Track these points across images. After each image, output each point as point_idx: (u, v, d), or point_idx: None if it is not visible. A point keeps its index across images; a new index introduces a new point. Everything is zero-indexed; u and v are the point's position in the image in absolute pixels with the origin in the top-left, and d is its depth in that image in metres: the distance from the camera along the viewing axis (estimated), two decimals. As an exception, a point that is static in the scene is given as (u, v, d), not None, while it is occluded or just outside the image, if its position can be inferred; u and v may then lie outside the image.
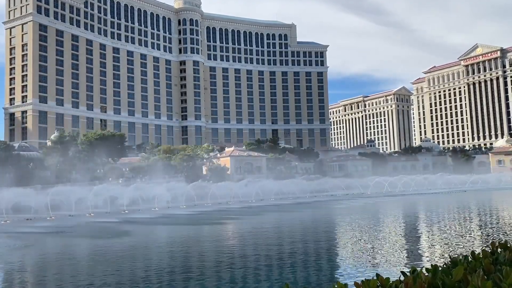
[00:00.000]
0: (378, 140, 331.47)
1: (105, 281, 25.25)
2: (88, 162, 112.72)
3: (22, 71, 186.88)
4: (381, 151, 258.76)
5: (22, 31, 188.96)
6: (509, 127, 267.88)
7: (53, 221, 66.12)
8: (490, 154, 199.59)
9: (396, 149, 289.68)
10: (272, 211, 74.95)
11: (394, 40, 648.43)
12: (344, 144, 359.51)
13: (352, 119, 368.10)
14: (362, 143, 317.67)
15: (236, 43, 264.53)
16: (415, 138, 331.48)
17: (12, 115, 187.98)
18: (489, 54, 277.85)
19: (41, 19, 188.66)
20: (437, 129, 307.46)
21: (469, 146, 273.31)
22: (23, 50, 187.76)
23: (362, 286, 4.49)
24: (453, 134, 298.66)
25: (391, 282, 4.58)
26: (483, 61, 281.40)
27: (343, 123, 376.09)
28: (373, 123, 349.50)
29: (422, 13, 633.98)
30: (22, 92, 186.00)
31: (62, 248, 40.93)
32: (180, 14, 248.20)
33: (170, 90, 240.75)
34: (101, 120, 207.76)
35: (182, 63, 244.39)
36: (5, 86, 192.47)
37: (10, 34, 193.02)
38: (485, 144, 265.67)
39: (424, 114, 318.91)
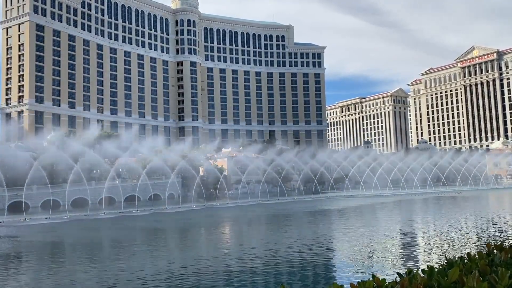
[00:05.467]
0: (375, 141, 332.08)
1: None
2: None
3: (19, 71, 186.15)
4: (378, 152, 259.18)
5: (19, 31, 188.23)
6: (505, 129, 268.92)
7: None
8: (486, 155, 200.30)
9: (393, 151, 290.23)
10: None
11: (391, 40, 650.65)
12: (341, 146, 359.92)
13: (349, 120, 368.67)
14: (359, 144, 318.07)
15: (234, 44, 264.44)
16: (411, 140, 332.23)
17: (8, 115, 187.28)
18: (485, 56, 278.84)
19: (38, 19, 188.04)
20: (434, 131, 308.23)
21: (465, 147, 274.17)
22: (19, 50, 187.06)
23: (358, 287, 4.48)
24: (449, 135, 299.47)
25: (387, 283, 4.58)
26: (480, 63, 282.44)
27: (340, 124, 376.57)
28: (370, 125, 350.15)
29: (419, 13, 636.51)
30: (19, 92, 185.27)
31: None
32: (178, 15, 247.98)
33: (167, 90, 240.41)
34: (97, 120, 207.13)
35: (180, 63, 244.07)
36: (2, 86, 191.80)
37: (7, 34, 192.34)
38: (481, 146, 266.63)
39: (421, 116, 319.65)
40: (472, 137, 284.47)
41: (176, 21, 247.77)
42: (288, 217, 70.28)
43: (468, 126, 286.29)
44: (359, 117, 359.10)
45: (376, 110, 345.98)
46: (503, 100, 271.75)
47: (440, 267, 5.09)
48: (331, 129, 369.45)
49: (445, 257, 6.21)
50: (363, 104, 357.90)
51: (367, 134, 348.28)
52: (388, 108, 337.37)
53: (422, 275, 4.61)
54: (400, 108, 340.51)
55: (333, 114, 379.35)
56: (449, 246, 35.95)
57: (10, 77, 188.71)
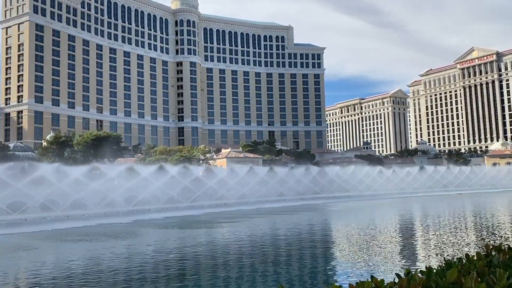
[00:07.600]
0: (375, 142, 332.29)
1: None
2: (84, 163, 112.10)
3: (18, 71, 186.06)
4: (377, 153, 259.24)
5: (19, 30, 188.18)
6: (504, 130, 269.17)
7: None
8: (485, 157, 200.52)
9: (392, 152, 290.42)
10: None
11: (391, 41, 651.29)
12: (340, 146, 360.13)
13: (348, 121, 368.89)
14: (358, 145, 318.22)
15: (233, 45, 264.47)
16: (411, 141, 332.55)
17: (7, 115, 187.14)
18: (485, 58, 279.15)
19: (37, 19, 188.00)
20: (433, 132, 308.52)
21: (464, 149, 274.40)
22: (19, 50, 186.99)
23: (356, 288, 4.49)
24: (449, 137, 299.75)
25: (385, 284, 4.58)
26: (479, 65, 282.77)
27: (339, 125, 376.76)
28: (370, 125, 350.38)
29: (419, 13, 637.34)
30: (18, 92, 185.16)
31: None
32: (177, 15, 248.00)
33: (167, 91, 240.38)
34: (97, 120, 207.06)
35: (179, 64, 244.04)
36: (1, 86, 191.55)
37: (6, 34, 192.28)
38: (480, 147, 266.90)
39: (420, 117, 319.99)
40: (471, 138, 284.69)
41: (176, 22, 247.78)
42: (284, 217, 70.21)
43: (468, 127, 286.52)
44: (359, 118, 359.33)
45: (376, 111, 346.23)
46: (502, 101, 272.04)
47: (439, 268, 5.10)
48: (330, 130, 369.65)
49: (444, 258, 6.22)
50: (363, 105, 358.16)
51: (367, 135, 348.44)
52: (387, 109, 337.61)
53: (420, 275, 4.61)
54: (399, 109, 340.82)
55: (333, 115, 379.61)
56: (448, 246, 35.97)
57: (10, 77, 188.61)
